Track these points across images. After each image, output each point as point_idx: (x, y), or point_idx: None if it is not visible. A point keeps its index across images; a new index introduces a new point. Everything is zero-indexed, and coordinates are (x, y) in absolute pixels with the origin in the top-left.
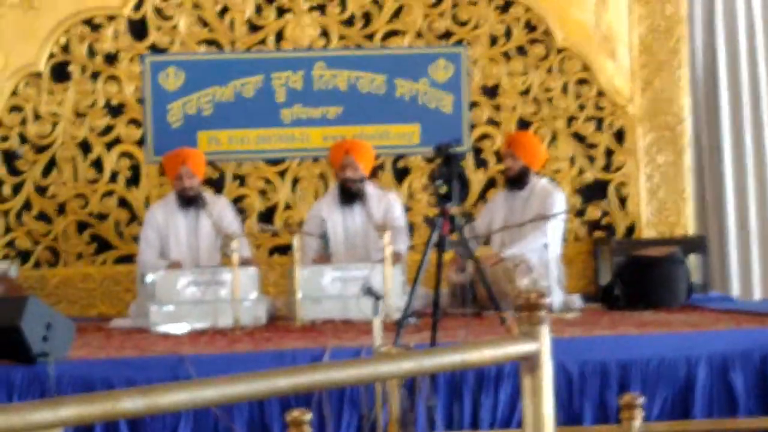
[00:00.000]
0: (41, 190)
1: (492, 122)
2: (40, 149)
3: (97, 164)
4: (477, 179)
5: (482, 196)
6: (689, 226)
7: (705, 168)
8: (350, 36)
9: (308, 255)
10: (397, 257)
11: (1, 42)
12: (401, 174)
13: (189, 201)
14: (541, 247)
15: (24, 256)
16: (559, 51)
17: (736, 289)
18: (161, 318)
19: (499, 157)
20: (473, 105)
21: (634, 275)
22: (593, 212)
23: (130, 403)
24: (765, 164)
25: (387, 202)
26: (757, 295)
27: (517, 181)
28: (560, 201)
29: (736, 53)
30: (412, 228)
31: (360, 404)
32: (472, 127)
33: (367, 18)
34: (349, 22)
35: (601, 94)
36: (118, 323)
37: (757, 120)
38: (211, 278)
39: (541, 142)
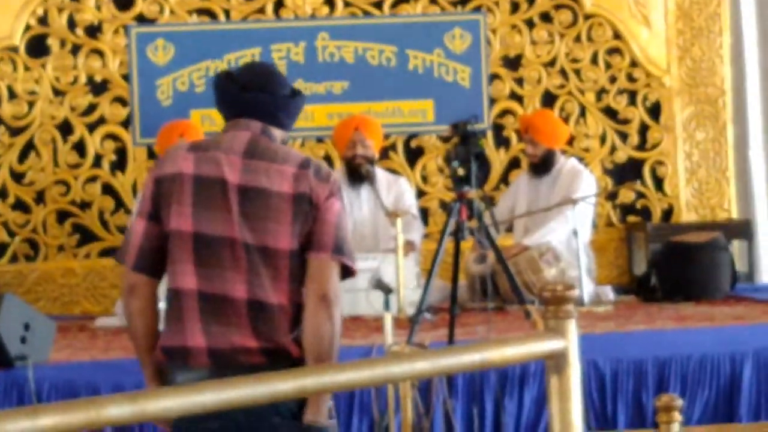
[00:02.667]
0: (17, 177)
1: (514, 97)
2: (16, 131)
3: (79, 147)
4: (498, 160)
5: (504, 179)
6: (733, 209)
7: (750, 145)
8: (357, 3)
9: None
10: (410, 246)
11: None
12: (414, 155)
13: None
14: (568, 233)
15: None
16: (588, 17)
17: None
18: None
19: (520, 135)
20: (493, 78)
21: (672, 264)
22: (626, 194)
23: (117, 410)
24: None
25: (398, 187)
26: None
27: (542, 166)
28: (590, 182)
29: None
30: (426, 214)
31: (370, 409)
32: (493, 102)
33: None
34: None
35: (634, 64)
36: (104, 322)
37: None
38: None
39: (558, 117)
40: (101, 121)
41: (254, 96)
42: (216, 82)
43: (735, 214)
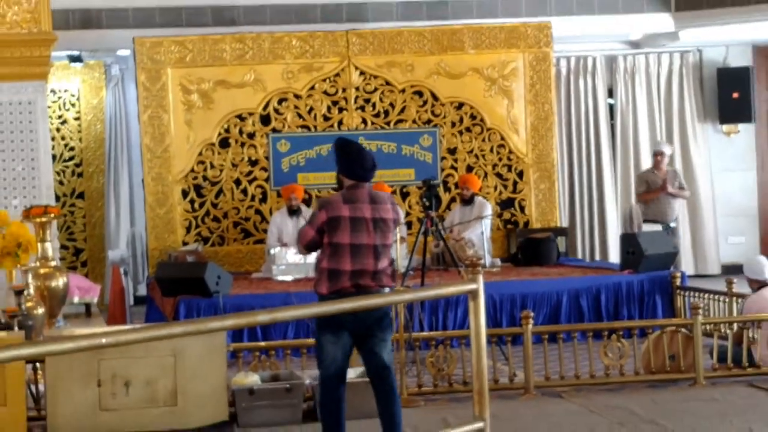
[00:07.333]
0: (214, 206)
1: (453, 167)
2: (214, 183)
3: (244, 191)
4: (445, 198)
5: (447, 207)
6: (558, 222)
7: (567, 189)
8: (377, 122)
9: None
10: (402, 239)
11: (193, 126)
12: (405, 195)
13: (294, 212)
14: (479, 233)
15: (206, 241)
16: (488, 129)
17: (581, 255)
18: (278, 272)
19: (458, 186)
20: (443, 158)
21: (529, 248)
22: (507, 215)
23: (262, 317)
24: (592, 190)
25: (396, 210)
26: (597, 257)
27: (469, 201)
28: (489, 209)
29: (581, 134)
30: (411, 224)
31: None
32: (442, 170)
33: (386, 113)
34: (377, 115)
35: (511, 152)
36: (256, 275)
37: (580, 164)
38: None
39: (478, 178)
40: (254, 178)
41: (371, 174)
42: (349, 151)
43: (559, 224)
